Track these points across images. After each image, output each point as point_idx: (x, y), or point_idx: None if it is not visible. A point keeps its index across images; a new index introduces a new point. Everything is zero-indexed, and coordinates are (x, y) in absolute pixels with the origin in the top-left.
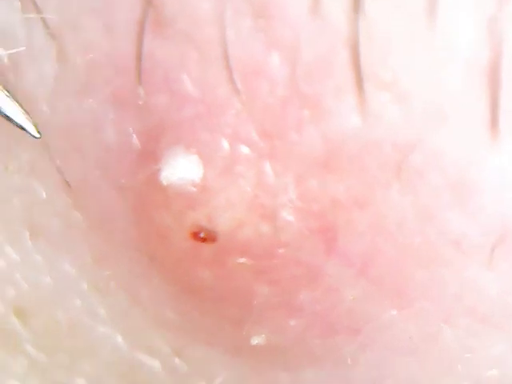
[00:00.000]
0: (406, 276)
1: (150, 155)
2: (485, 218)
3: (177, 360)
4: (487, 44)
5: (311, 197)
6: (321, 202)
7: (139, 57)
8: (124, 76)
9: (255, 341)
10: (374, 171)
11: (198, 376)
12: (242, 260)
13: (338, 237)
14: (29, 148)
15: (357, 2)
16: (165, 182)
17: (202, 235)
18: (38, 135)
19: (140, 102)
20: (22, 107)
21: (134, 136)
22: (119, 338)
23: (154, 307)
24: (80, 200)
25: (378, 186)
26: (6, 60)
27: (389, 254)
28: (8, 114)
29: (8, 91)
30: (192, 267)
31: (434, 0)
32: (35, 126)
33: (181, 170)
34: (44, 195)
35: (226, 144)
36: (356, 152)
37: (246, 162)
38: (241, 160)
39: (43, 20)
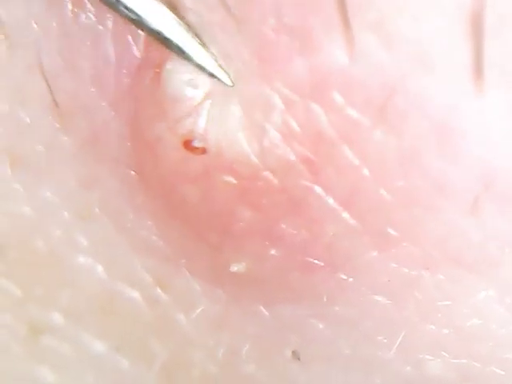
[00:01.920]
0: (387, 217)
1: (150, 62)
2: (469, 163)
3: (158, 290)
4: None
5: (297, 125)
6: (305, 131)
7: None
8: None
9: (234, 268)
10: (359, 109)
11: (179, 306)
12: (228, 178)
13: (322, 168)
14: (19, 73)
15: None
16: (165, 87)
17: (195, 144)
18: (230, 83)
19: None
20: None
21: (134, 46)
22: (100, 268)
23: (138, 231)
24: (69, 122)
25: (362, 125)
26: None
27: (371, 193)
28: (200, 63)
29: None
30: (179, 181)
31: None
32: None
33: (187, 73)
34: (28, 120)
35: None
36: (341, 88)
37: (241, 79)
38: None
39: None
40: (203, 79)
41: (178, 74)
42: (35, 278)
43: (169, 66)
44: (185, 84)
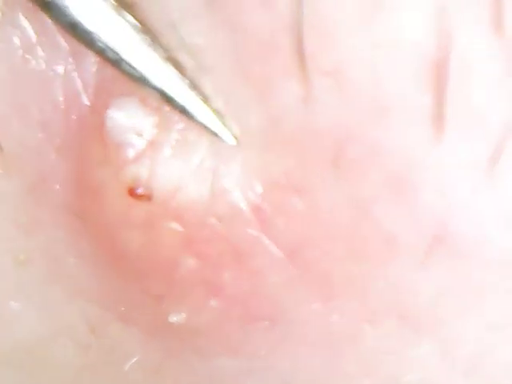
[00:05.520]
0: (333, 269)
1: (98, 108)
2: (422, 216)
3: (92, 338)
4: (435, 36)
5: (251, 172)
6: (259, 179)
7: None
8: None
9: (174, 318)
10: (312, 157)
11: (112, 355)
12: (173, 225)
13: (271, 217)
14: None
15: None
16: (111, 132)
17: (139, 191)
18: (234, 143)
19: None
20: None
21: (84, 92)
22: (32, 314)
23: (78, 278)
24: (12, 167)
25: (315, 173)
26: None
27: (318, 244)
28: (203, 122)
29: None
30: (122, 228)
31: None
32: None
33: (131, 120)
34: None
35: None
36: (295, 135)
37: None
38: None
39: None
40: (149, 125)
41: (124, 120)
42: None
43: (113, 111)
44: (130, 130)
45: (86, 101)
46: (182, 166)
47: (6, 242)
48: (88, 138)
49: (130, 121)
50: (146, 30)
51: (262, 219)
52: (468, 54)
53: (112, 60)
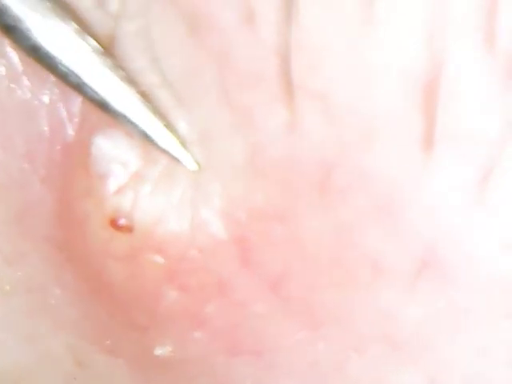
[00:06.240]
0: (317, 297)
1: (82, 139)
2: (409, 241)
3: (78, 369)
4: (426, 59)
5: (234, 202)
6: (241, 208)
7: None
8: None
9: (159, 351)
10: (298, 185)
11: None
12: (156, 258)
13: (254, 248)
14: None
15: (290, 13)
16: (95, 163)
17: (121, 222)
18: (195, 168)
19: None
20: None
21: (68, 122)
22: (18, 345)
23: (62, 310)
24: None
25: (299, 201)
26: None
27: (302, 272)
28: (164, 148)
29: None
30: (105, 261)
31: (370, 12)
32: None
33: (116, 151)
34: None
35: None
36: (280, 162)
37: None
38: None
39: None
40: (133, 156)
41: (108, 151)
42: None
43: (98, 141)
44: (114, 161)
45: (70, 131)
46: (164, 199)
47: None
48: (72, 169)
49: (115, 152)
50: (109, 53)
51: (245, 249)
52: (458, 74)
53: (74, 84)
